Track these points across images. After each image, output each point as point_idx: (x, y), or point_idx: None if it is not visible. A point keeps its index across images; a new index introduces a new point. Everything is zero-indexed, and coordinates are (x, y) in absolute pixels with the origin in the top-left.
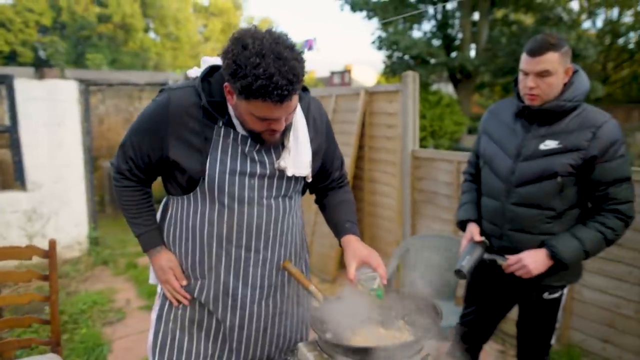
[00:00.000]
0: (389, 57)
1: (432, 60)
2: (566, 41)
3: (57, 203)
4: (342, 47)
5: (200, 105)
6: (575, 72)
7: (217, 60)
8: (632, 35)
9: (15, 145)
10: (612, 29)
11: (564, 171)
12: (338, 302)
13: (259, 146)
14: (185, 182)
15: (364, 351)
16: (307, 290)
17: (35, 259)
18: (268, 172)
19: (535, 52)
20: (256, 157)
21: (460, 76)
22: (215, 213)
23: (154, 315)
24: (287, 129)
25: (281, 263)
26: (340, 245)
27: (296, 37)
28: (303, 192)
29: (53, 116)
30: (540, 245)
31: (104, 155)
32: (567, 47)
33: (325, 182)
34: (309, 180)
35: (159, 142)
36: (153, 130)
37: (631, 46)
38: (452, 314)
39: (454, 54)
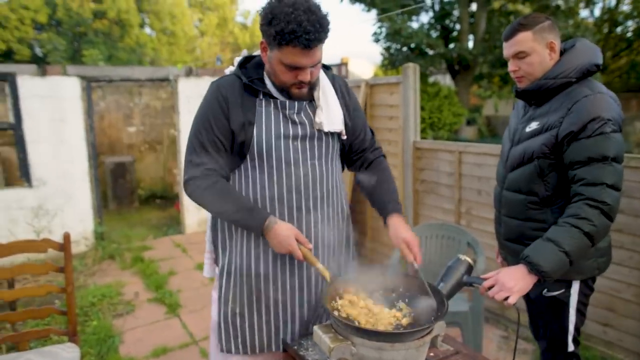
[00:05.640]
0: (387, 49)
1: (431, 52)
2: (545, 17)
3: (62, 199)
4: (338, 40)
5: (241, 85)
6: (571, 47)
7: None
8: (630, 24)
9: (19, 142)
10: (610, 17)
11: (539, 152)
12: (343, 281)
13: (298, 107)
14: (237, 153)
15: (379, 334)
16: (315, 268)
17: (38, 255)
18: (308, 132)
19: (507, 36)
20: (296, 119)
21: (459, 67)
22: (266, 176)
23: (215, 295)
24: (314, 88)
25: (331, 223)
26: (385, 224)
27: None
28: (343, 168)
29: (56, 113)
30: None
31: (105, 152)
32: (543, 23)
33: (359, 148)
34: (344, 137)
35: (224, 121)
36: (216, 112)
37: (629, 35)
38: (460, 300)
39: (452, 45)
